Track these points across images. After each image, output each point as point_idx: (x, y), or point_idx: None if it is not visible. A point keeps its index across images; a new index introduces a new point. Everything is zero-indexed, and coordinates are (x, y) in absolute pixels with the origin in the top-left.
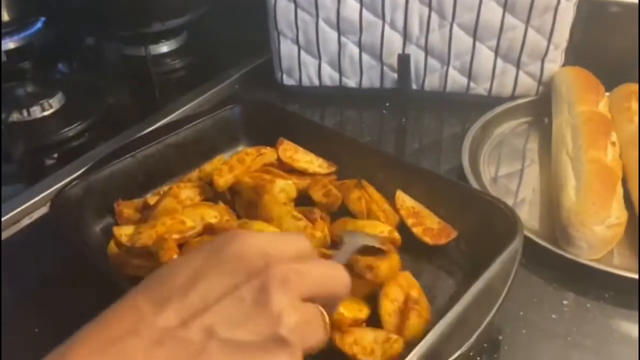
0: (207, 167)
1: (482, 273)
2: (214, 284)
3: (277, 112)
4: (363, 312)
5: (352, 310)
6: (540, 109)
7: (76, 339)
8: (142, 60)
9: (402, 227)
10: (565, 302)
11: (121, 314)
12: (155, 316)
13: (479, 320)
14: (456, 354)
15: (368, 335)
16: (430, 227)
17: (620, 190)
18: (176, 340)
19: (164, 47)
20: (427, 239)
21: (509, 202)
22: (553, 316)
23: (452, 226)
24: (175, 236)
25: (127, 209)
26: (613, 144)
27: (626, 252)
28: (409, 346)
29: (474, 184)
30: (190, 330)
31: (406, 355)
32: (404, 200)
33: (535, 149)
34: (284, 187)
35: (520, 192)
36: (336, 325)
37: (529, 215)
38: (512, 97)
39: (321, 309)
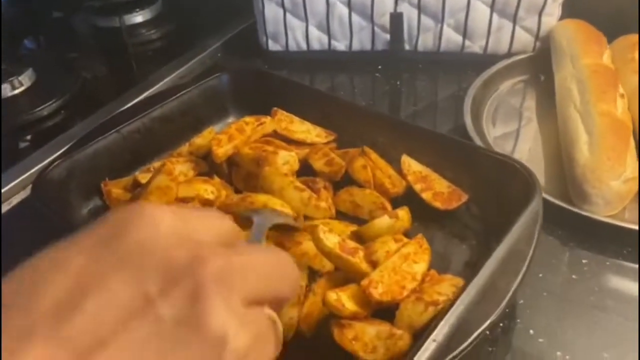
0: (198, 140)
1: (502, 236)
2: (110, 298)
3: (268, 79)
4: (367, 305)
5: (355, 302)
6: (537, 65)
7: None
8: (116, 31)
9: (410, 193)
10: (584, 261)
11: None
12: (20, 355)
13: (506, 287)
14: (486, 323)
15: (370, 330)
16: (440, 191)
17: (632, 143)
18: None
19: (138, 17)
20: (438, 204)
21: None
22: (573, 276)
23: (462, 189)
24: None
25: (115, 188)
26: (621, 96)
27: (637, 206)
28: (417, 340)
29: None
30: None
31: (435, 326)
32: (410, 164)
33: (533, 108)
34: (287, 159)
35: (516, 153)
36: (335, 317)
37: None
38: (509, 55)
39: (270, 312)
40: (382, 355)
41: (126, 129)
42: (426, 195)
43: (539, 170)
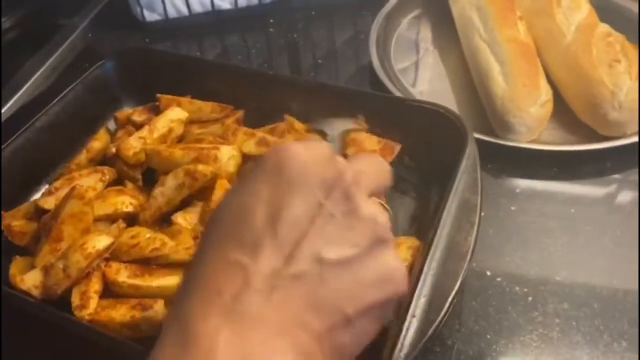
0: (95, 144)
1: (443, 186)
2: (297, 209)
3: (157, 56)
4: None
5: None
6: None
7: (189, 311)
8: None
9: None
10: (518, 190)
11: (222, 275)
12: (258, 263)
13: (466, 241)
14: (457, 284)
15: None
16: (372, 149)
17: (539, 64)
18: (290, 279)
19: None
20: None
21: (417, 90)
22: (512, 208)
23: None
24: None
25: (15, 220)
26: (520, 18)
27: (552, 126)
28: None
29: (389, 84)
30: (299, 263)
31: (410, 300)
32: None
33: (429, 38)
34: (231, 154)
35: (418, 85)
36: None
37: (440, 101)
38: None
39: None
40: None
41: (9, 148)
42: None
43: (449, 101)
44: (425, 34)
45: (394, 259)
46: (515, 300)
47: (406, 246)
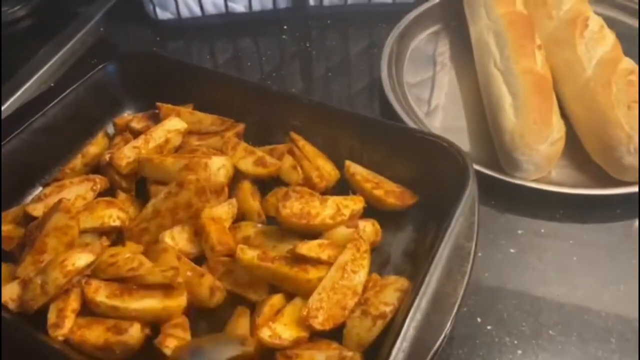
0: (92, 148)
1: (439, 224)
2: None
3: (160, 62)
4: (304, 329)
5: (293, 327)
6: (447, 13)
7: None
8: None
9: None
10: (520, 232)
11: None
12: None
13: (454, 291)
14: (440, 338)
15: (319, 358)
16: (391, 190)
17: (554, 99)
18: None
19: None
20: (392, 200)
21: (423, 110)
22: (511, 250)
23: (392, 172)
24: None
25: (5, 225)
26: (539, 47)
27: (562, 163)
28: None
29: (395, 103)
30: None
31: (389, 354)
32: (355, 169)
33: (446, 53)
34: (221, 164)
35: (434, 100)
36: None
37: (448, 124)
38: (417, 2)
39: None
40: None
41: (4, 149)
42: (378, 193)
43: (459, 125)
44: (443, 49)
45: None
46: (504, 352)
47: (394, 288)
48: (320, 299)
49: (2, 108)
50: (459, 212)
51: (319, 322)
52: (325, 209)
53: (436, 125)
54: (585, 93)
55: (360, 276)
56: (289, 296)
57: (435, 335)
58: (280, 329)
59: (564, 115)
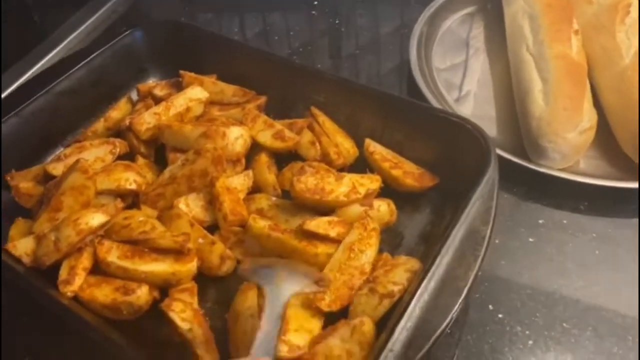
0: (114, 113)
1: (457, 207)
2: None
3: (188, 31)
4: (314, 324)
5: (304, 332)
6: None
7: None
8: None
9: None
10: (540, 221)
11: None
12: None
13: (465, 275)
14: (445, 322)
15: (333, 342)
16: (410, 171)
17: (588, 86)
18: None
19: None
20: (410, 181)
21: (454, 95)
22: (530, 239)
23: (413, 153)
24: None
25: (24, 182)
26: (576, 32)
27: (591, 154)
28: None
29: (422, 84)
30: None
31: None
32: (374, 147)
33: (480, 37)
34: (239, 133)
35: (465, 85)
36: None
37: (478, 111)
38: None
39: None
40: (362, 350)
41: (28, 109)
42: (396, 173)
43: (486, 107)
44: (477, 32)
45: None
46: (514, 341)
47: (404, 268)
48: None
49: (31, 71)
50: (477, 196)
51: (327, 303)
52: (340, 186)
53: (466, 112)
54: (621, 82)
55: (368, 255)
56: None
57: (441, 317)
58: (295, 338)
59: (597, 104)
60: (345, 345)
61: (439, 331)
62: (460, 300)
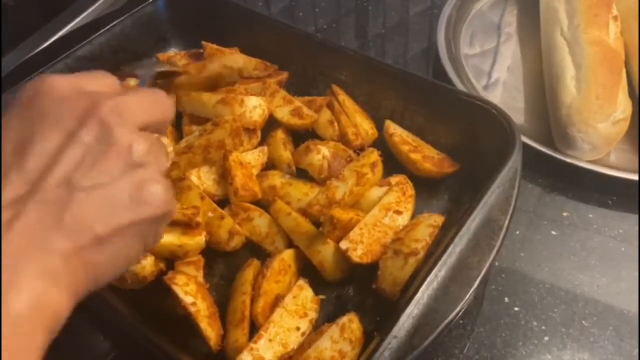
0: (132, 82)
1: (476, 195)
2: (47, 139)
3: (212, 2)
4: (302, 322)
5: (277, 344)
6: None
7: None
8: None
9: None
10: (565, 214)
11: None
12: (2, 193)
13: (478, 265)
14: (453, 312)
15: (323, 345)
16: (429, 155)
17: (624, 75)
18: (35, 204)
19: None
20: (428, 165)
21: (482, 82)
22: (553, 233)
23: (435, 137)
24: None
25: None
26: (615, 18)
27: (624, 147)
28: (402, 294)
29: (450, 70)
30: (45, 190)
31: (397, 320)
32: (395, 129)
33: (513, 23)
34: (258, 103)
35: (495, 72)
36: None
37: (507, 99)
38: None
39: (156, 134)
40: (353, 349)
41: (49, 71)
42: (415, 157)
43: (514, 95)
44: (510, 17)
45: (153, 183)
46: (529, 336)
47: (426, 224)
48: (361, 234)
49: (55, 37)
50: (497, 183)
51: (358, 255)
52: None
53: (494, 99)
54: None
55: (404, 218)
56: (301, 253)
57: (451, 306)
58: (264, 349)
59: (633, 95)
60: (336, 346)
61: (446, 321)
62: (471, 291)
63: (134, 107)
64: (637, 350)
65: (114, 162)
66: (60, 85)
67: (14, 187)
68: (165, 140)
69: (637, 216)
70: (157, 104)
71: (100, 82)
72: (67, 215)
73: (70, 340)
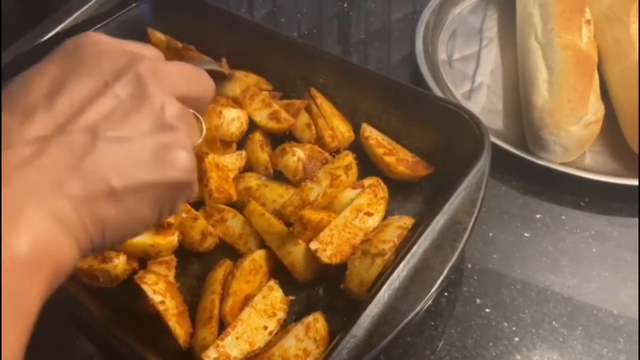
0: None
1: (443, 200)
2: (81, 86)
3: (195, 6)
4: (270, 321)
5: (243, 342)
6: None
7: None
8: None
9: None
10: (538, 216)
11: None
12: (24, 129)
13: (441, 266)
14: (413, 313)
15: (288, 343)
16: (404, 158)
17: (596, 78)
18: (57, 146)
19: None
20: (402, 168)
21: (466, 87)
22: (526, 234)
23: (410, 140)
24: None
25: None
26: (587, 22)
27: (598, 149)
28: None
29: (428, 76)
30: (71, 134)
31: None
32: (370, 132)
33: (494, 27)
34: (236, 115)
35: (478, 76)
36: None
37: (489, 104)
38: None
39: (194, 112)
40: (317, 347)
41: None
42: (389, 160)
43: (497, 100)
44: (491, 22)
45: (181, 147)
46: (500, 337)
47: (396, 225)
48: (331, 235)
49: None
50: (464, 186)
51: (327, 255)
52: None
53: (475, 105)
54: (632, 76)
55: (375, 220)
56: (273, 254)
57: (411, 306)
58: (230, 346)
59: (606, 98)
60: (300, 344)
61: (406, 320)
62: (432, 291)
63: (174, 74)
64: (605, 349)
65: (144, 119)
66: (105, 41)
67: (40, 127)
68: (201, 119)
69: (607, 217)
70: (198, 79)
71: (145, 47)
72: (86, 162)
73: (59, 341)
